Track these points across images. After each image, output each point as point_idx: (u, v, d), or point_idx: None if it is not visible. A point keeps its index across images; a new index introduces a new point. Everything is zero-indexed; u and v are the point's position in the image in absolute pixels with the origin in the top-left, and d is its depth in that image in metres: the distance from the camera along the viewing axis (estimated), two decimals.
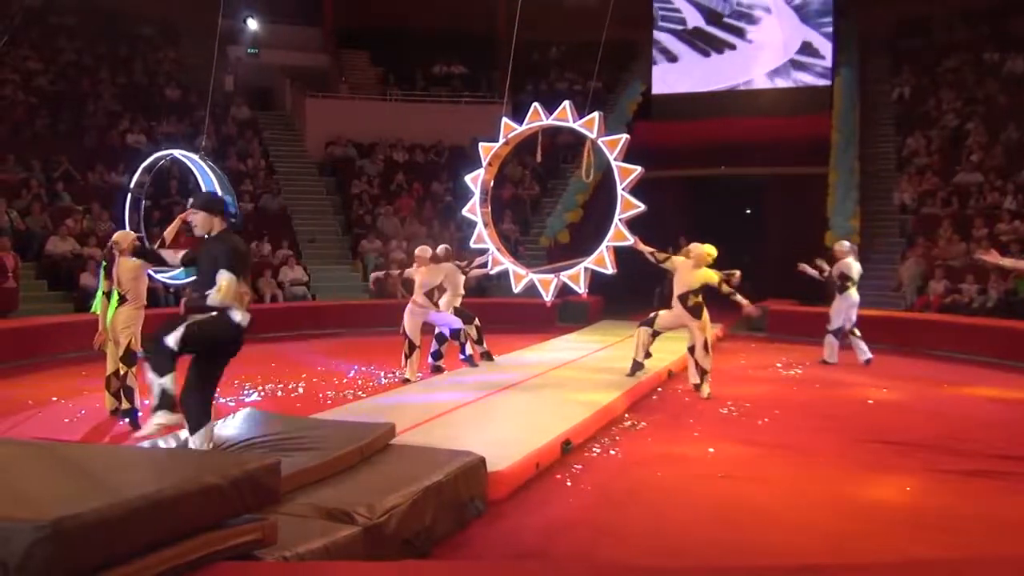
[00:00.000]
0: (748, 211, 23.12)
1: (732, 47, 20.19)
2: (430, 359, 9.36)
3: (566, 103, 8.86)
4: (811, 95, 19.28)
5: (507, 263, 9.20)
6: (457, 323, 9.26)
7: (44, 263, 13.46)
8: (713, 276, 8.44)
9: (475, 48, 22.31)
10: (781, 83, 19.77)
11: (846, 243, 10.91)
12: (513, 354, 10.65)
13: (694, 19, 20.38)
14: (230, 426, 5.11)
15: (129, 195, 10.35)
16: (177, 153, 10.34)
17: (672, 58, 20.57)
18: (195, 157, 10.15)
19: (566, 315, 14.74)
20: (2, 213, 13.22)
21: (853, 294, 10.49)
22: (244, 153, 18.48)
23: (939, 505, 5.11)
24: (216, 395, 8.19)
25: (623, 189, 8.40)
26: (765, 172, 19.10)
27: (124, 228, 9.78)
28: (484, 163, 9.29)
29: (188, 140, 15.44)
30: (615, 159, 8.49)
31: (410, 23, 21.56)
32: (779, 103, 19.41)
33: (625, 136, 8.73)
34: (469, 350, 9.64)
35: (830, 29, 19.43)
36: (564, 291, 9.12)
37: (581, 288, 8.75)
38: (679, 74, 20.47)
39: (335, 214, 18.45)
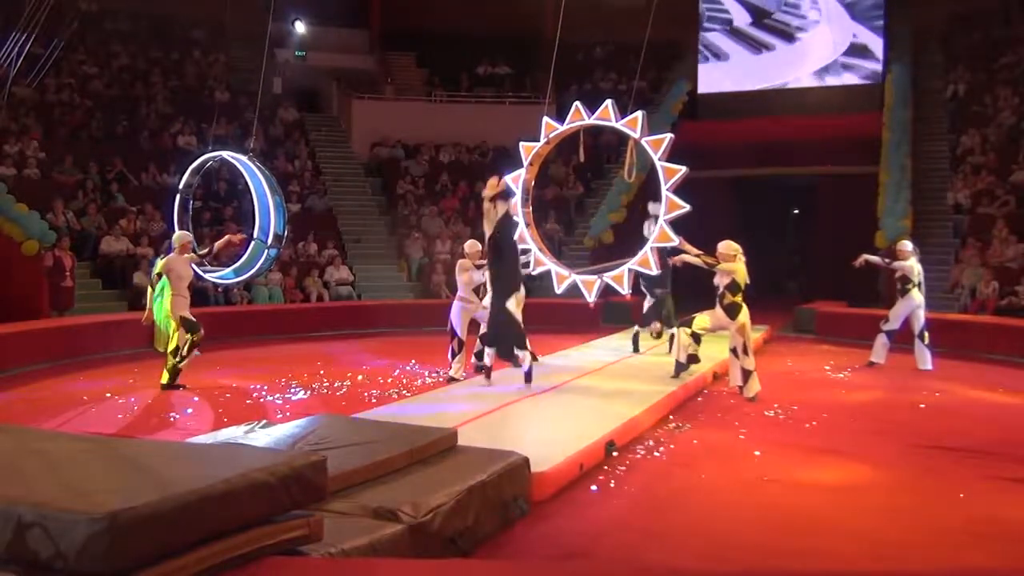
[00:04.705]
0: (796, 211, 22.81)
1: (780, 45, 19.91)
2: (474, 359, 9.40)
3: (608, 102, 8.81)
4: (862, 93, 18.93)
5: (549, 263, 9.18)
6: None
7: (99, 262, 13.82)
8: (741, 270, 8.19)
9: (520, 49, 22.33)
10: (831, 81, 19.44)
11: (908, 243, 10.62)
12: (557, 354, 10.63)
13: (741, 17, 20.13)
14: (302, 427, 5.15)
15: (178, 196, 10.58)
16: (226, 154, 10.51)
17: (718, 57, 20.35)
18: (244, 158, 10.31)
19: (610, 316, 14.67)
20: (59, 214, 13.60)
21: (915, 296, 10.23)
22: (291, 154, 18.75)
23: (994, 512, 4.98)
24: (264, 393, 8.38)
25: (668, 189, 8.32)
26: (814, 172, 18.80)
27: (174, 228, 10.11)
28: (525, 163, 9.28)
29: (238, 142, 15.71)
30: (660, 159, 8.42)
31: (455, 25, 21.66)
32: (828, 101, 19.08)
33: (669, 136, 8.63)
34: None
35: (881, 25, 19.04)
36: (608, 292, 9.08)
37: (625, 289, 8.70)
38: (725, 73, 20.25)
39: (380, 214, 18.62)
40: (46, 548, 2.49)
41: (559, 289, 9.15)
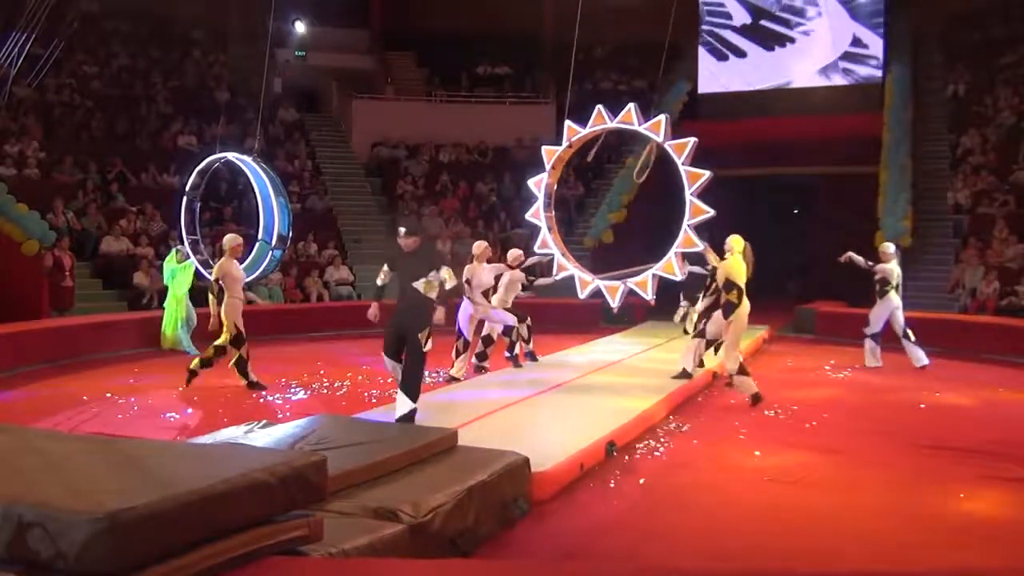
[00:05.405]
0: (796, 211, 22.81)
1: (780, 45, 19.89)
2: (474, 359, 9.40)
3: (631, 105, 8.67)
4: (862, 93, 18.91)
5: (572, 268, 8.99)
6: (511, 320, 9.28)
7: (99, 262, 13.82)
8: (733, 267, 7.97)
9: (520, 49, 22.35)
10: (831, 81, 19.43)
11: (891, 246, 10.70)
12: (558, 354, 10.64)
13: (741, 17, 20.12)
14: (302, 427, 5.16)
15: (184, 198, 10.59)
16: (231, 156, 10.52)
17: (719, 57, 20.34)
18: (248, 160, 10.33)
19: (611, 316, 14.65)
20: (59, 214, 13.59)
21: (893, 298, 10.33)
22: (291, 154, 18.76)
23: (994, 512, 4.98)
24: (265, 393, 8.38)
25: (691, 194, 8.14)
26: (814, 172, 18.80)
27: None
28: (548, 167, 9.10)
29: (238, 142, 15.71)
30: (683, 163, 8.24)
31: (455, 25, 21.69)
32: (829, 101, 19.06)
33: (693, 140, 8.39)
34: (517, 349, 9.65)
35: (881, 25, 19.04)
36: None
37: (649, 295, 8.55)
38: (726, 73, 20.24)
39: (380, 214, 18.62)
40: (46, 548, 2.48)
41: (582, 294, 9.01)
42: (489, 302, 9.24)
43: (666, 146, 8.45)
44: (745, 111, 19.33)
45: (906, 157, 16.47)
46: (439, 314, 6.60)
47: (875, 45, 19.04)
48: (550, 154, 9.15)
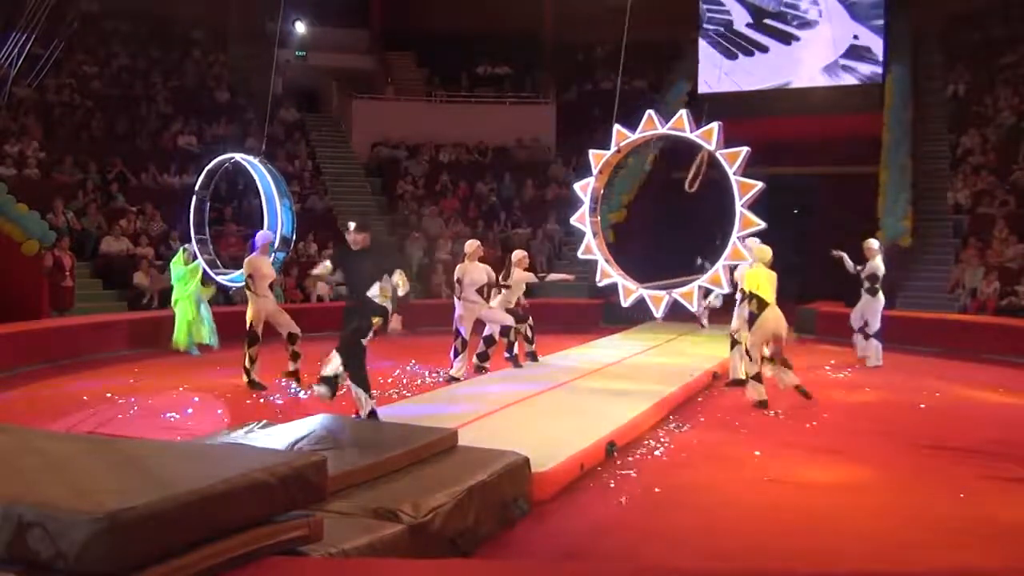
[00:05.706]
0: (796, 211, 22.81)
1: (780, 45, 19.88)
2: (475, 359, 9.39)
3: (682, 112, 8.55)
4: (862, 93, 18.89)
5: (616, 276, 8.86)
6: (508, 320, 9.26)
7: (99, 262, 13.81)
8: (750, 278, 7.87)
9: (520, 49, 22.35)
10: (831, 81, 19.39)
11: (875, 242, 10.70)
12: (558, 354, 10.62)
13: (741, 17, 20.09)
14: (302, 427, 5.16)
15: (194, 199, 10.63)
16: (239, 157, 10.58)
17: (718, 57, 20.33)
18: (255, 160, 10.37)
19: (611, 316, 14.67)
20: (59, 214, 13.59)
21: (881, 296, 10.35)
22: (292, 154, 18.76)
23: (994, 512, 4.98)
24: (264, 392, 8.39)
25: (742, 205, 7.99)
26: (814, 171, 18.80)
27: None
28: (595, 171, 8.97)
29: (238, 142, 15.71)
30: (735, 173, 8.08)
31: (455, 25, 21.69)
32: (829, 101, 19.03)
33: (746, 149, 8.22)
34: (516, 349, 9.64)
35: (881, 25, 19.03)
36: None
37: (694, 306, 8.47)
38: (725, 73, 20.22)
39: (381, 215, 18.61)
40: (46, 548, 2.49)
41: (625, 303, 8.87)
42: (487, 301, 9.22)
43: (718, 155, 8.25)
44: (745, 111, 19.27)
45: (906, 157, 16.46)
46: (395, 322, 6.47)
47: (875, 45, 19.02)
48: (598, 158, 8.98)
